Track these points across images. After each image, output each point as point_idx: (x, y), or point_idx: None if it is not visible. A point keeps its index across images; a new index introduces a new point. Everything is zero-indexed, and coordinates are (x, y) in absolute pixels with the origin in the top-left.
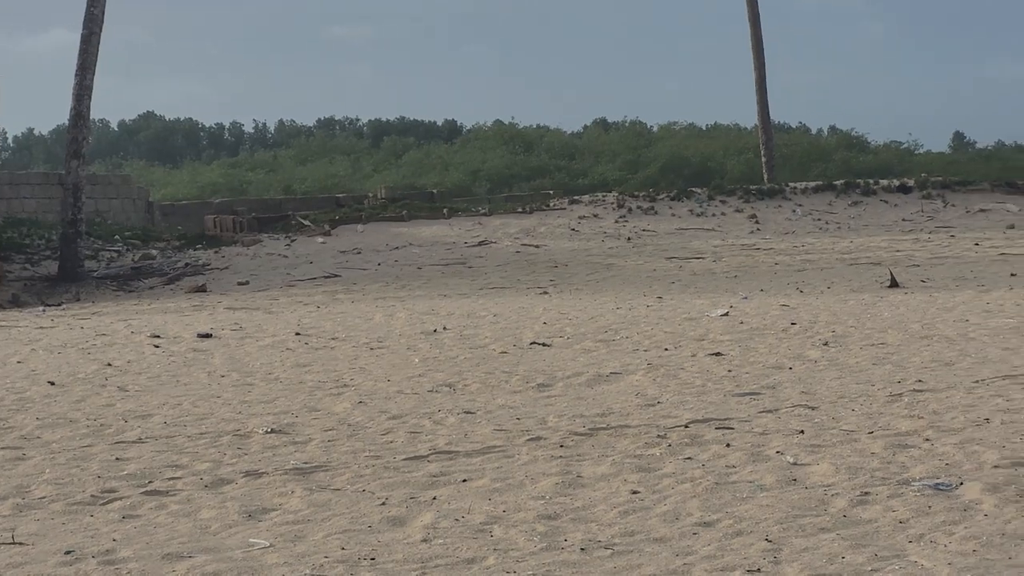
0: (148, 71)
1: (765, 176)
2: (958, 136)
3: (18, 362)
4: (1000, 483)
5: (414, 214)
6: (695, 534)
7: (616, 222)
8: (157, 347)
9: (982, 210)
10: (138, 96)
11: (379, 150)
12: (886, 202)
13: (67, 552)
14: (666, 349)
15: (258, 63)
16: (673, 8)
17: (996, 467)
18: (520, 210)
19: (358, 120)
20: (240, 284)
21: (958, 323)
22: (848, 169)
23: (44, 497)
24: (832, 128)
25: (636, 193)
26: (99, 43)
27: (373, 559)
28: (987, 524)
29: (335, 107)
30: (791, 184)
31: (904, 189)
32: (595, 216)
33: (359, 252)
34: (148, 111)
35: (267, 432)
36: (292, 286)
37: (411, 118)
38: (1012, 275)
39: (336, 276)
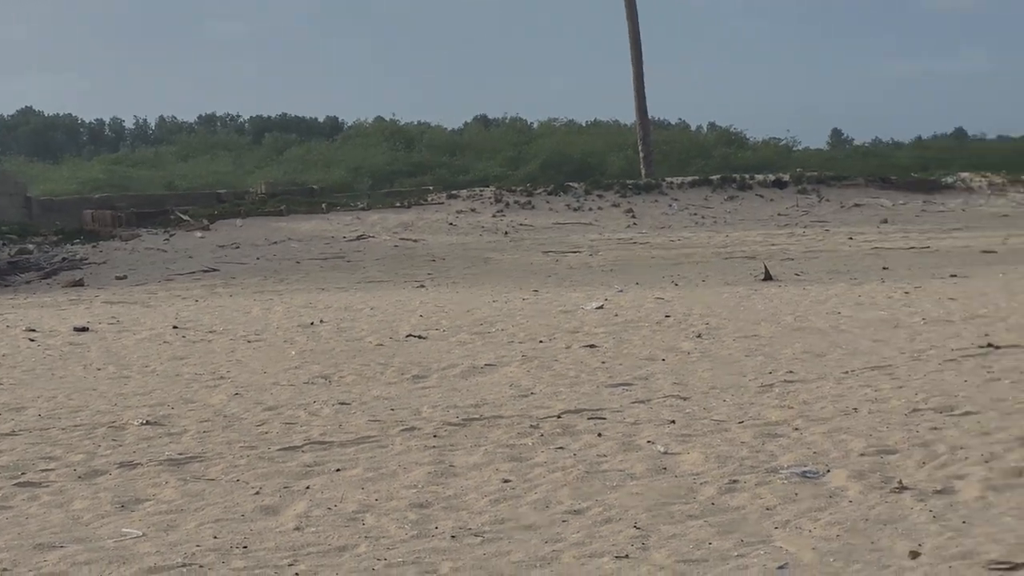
0: (26, 67)
1: (643, 171)
2: (836, 133)
3: None
4: (866, 470)
5: (293, 209)
6: (565, 521)
7: (494, 216)
8: (32, 341)
9: (856, 205)
10: (16, 92)
11: (261, 147)
12: (762, 197)
13: None
14: (541, 341)
15: (138, 59)
16: (552, 4)
17: (862, 455)
18: (398, 205)
19: (239, 117)
20: (118, 278)
21: (830, 315)
22: (727, 165)
23: None
24: (712, 125)
25: (514, 188)
26: None
27: (245, 547)
28: (852, 510)
29: (216, 103)
30: (668, 179)
31: (780, 184)
32: (473, 211)
33: (238, 247)
34: (27, 106)
35: (142, 424)
36: (170, 280)
37: (293, 115)
38: (884, 268)
39: (214, 270)
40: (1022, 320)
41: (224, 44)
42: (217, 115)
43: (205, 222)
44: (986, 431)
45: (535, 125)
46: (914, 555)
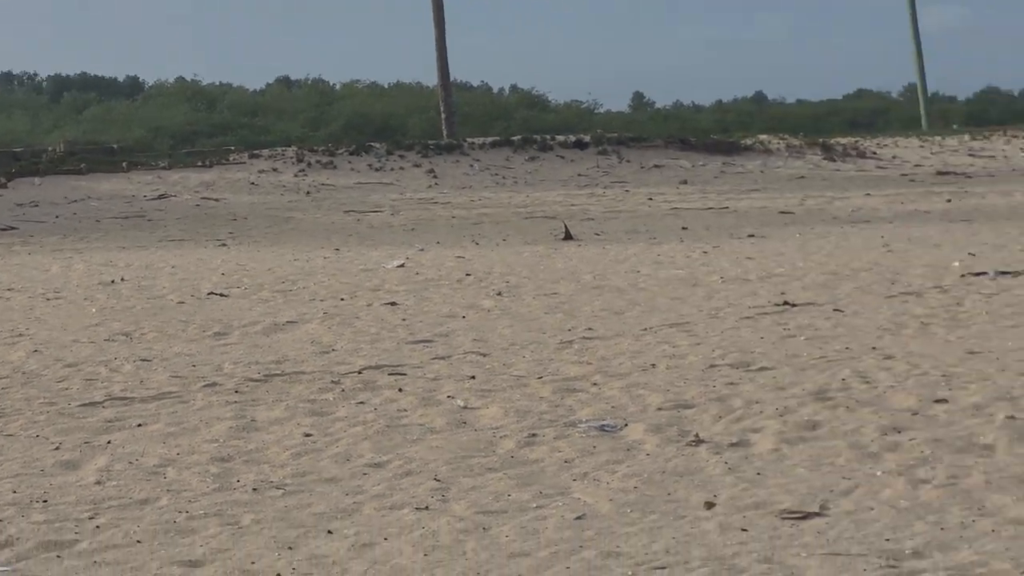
0: None
1: (444, 133)
2: (637, 96)
3: None
4: (663, 424)
5: (93, 168)
6: (365, 474)
7: (295, 176)
8: None
9: (656, 166)
10: None
11: (59, 106)
12: (563, 158)
13: None
14: (342, 299)
15: None
16: None
17: (660, 409)
18: (200, 164)
19: (37, 75)
20: None
21: (629, 274)
22: (529, 127)
23: None
24: (514, 87)
25: (315, 148)
26: None
27: (45, 501)
28: (649, 463)
29: (13, 62)
30: (469, 139)
31: (581, 145)
32: (275, 170)
33: (36, 205)
34: None
35: None
36: None
37: (92, 74)
38: (683, 228)
39: (13, 228)
40: (817, 279)
41: (21, 0)
42: (14, 73)
43: (2, 180)
44: (781, 386)
45: (337, 87)
46: (709, 506)
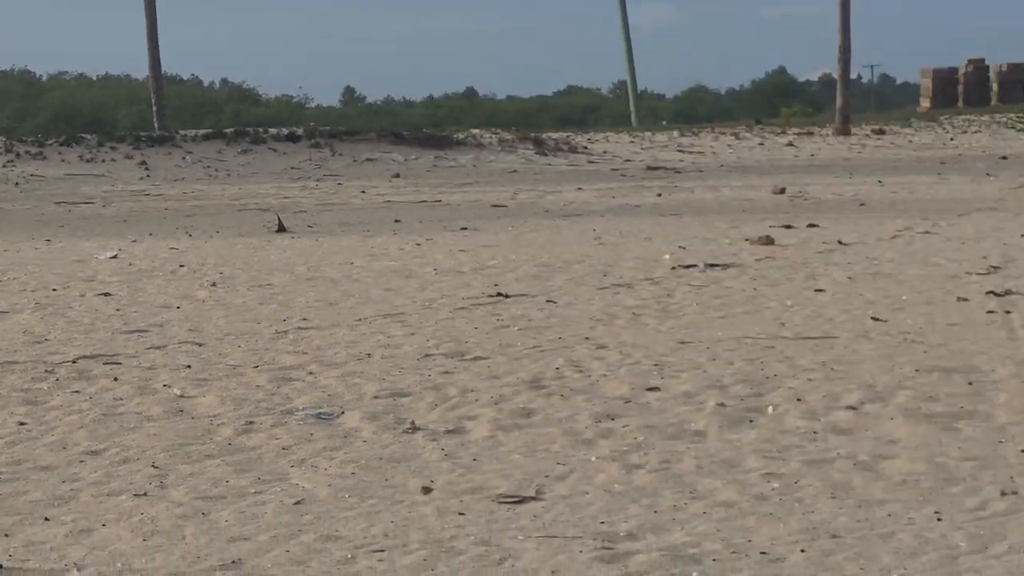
0: None
1: (156, 125)
2: (348, 91)
3: None
4: (379, 412)
5: None
6: (82, 462)
7: (3, 167)
8: None
9: (369, 159)
10: None
11: None
12: (275, 151)
13: None
14: (54, 290)
15: None
16: None
17: (376, 398)
18: None
19: None
20: None
21: (343, 266)
22: (240, 121)
23: None
24: (224, 81)
25: (25, 138)
26: None
27: None
28: (366, 449)
29: None
30: (182, 132)
31: (293, 138)
32: None
33: None
34: None
35: None
36: None
37: None
38: (397, 221)
39: None
40: (530, 271)
41: None
42: None
43: None
44: (495, 375)
45: (44, 78)
46: (427, 491)
